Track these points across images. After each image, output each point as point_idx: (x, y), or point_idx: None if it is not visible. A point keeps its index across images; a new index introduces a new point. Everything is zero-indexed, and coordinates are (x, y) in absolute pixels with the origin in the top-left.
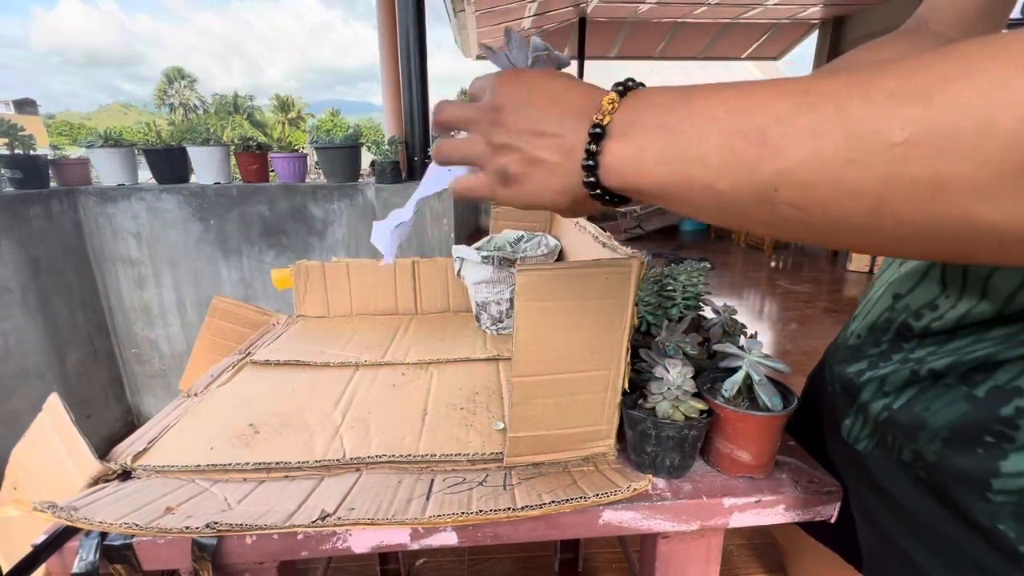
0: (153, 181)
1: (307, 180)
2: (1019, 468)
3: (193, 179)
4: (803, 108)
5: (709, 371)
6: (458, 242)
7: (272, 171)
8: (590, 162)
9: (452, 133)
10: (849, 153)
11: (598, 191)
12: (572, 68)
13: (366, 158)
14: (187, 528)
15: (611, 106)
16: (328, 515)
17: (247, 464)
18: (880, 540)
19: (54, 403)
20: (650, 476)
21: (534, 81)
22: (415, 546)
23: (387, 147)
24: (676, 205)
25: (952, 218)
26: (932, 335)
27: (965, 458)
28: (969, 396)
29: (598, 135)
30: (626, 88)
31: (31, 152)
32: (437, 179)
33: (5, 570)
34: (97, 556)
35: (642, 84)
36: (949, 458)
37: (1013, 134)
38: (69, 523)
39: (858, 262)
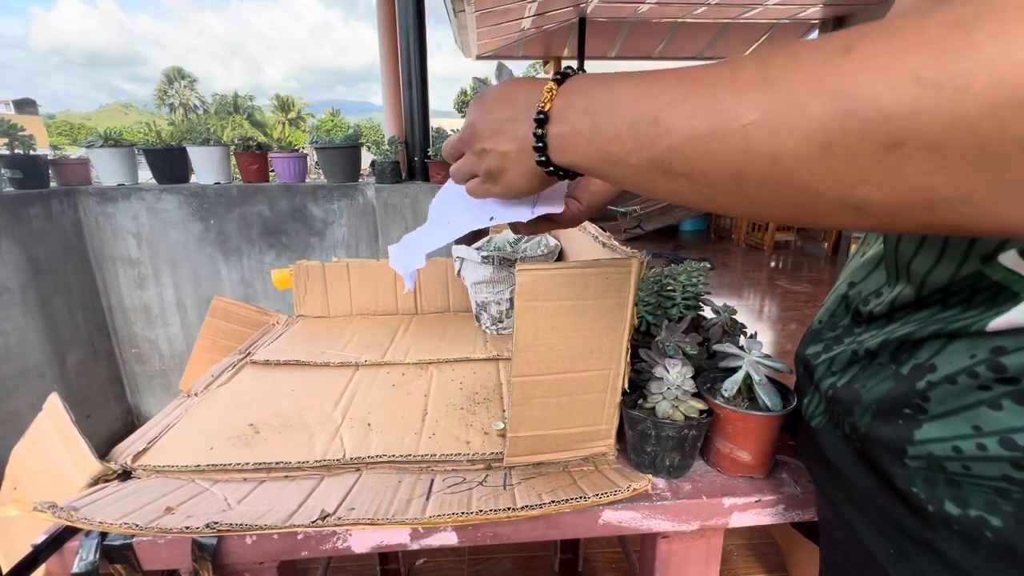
0: (153, 181)
1: (307, 180)
2: (929, 436)
3: (193, 179)
4: (688, 95)
5: (709, 371)
6: (458, 242)
7: (272, 171)
8: (539, 144)
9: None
10: (715, 131)
11: (551, 168)
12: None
13: (366, 158)
14: (187, 528)
15: (549, 95)
16: (328, 515)
17: (247, 464)
18: (828, 509)
19: (54, 403)
20: (650, 476)
21: (492, 93)
22: (415, 546)
23: (387, 147)
24: (606, 178)
25: (791, 185)
26: (875, 319)
27: (889, 428)
28: (896, 374)
29: (542, 120)
30: (564, 76)
31: (31, 152)
32: (462, 216)
33: (5, 570)
34: (97, 556)
35: (581, 70)
36: (876, 429)
37: (821, 116)
38: (69, 523)
39: None
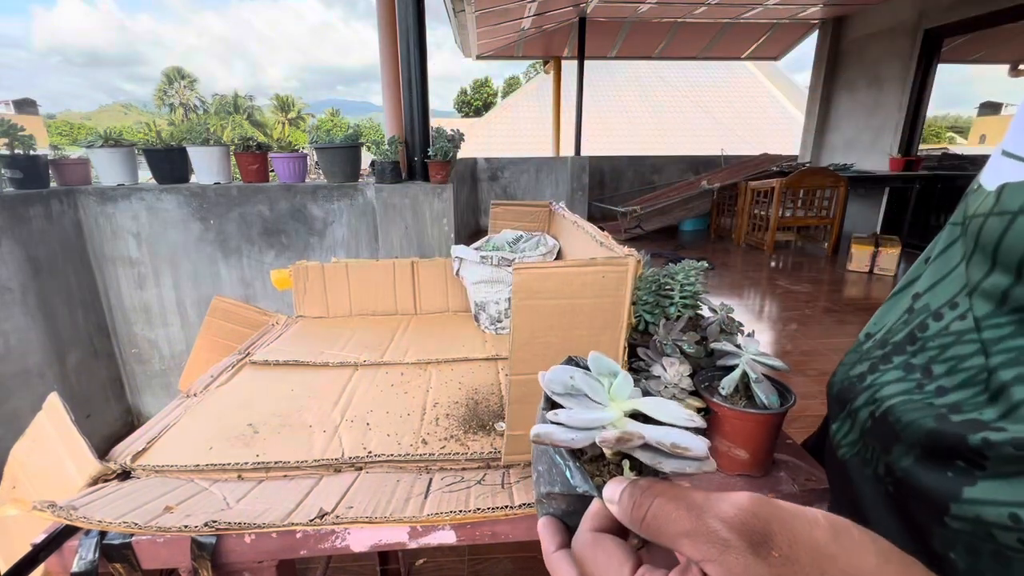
0: (153, 181)
1: (307, 180)
2: (983, 496)
3: (193, 179)
4: None
5: (707, 369)
6: (457, 242)
7: (272, 171)
8: None
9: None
10: None
11: None
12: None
13: (366, 158)
14: (186, 527)
15: None
16: (326, 513)
17: (246, 463)
18: None
19: (54, 403)
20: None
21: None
22: (413, 544)
23: (387, 147)
24: None
25: None
26: (945, 336)
27: (932, 477)
28: (943, 418)
29: None
30: None
31: (31, 152)
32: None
33: (4, 569)
34: (96, 555)
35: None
36: (917, 475)
37: None
38: (68, 522)
39: (858, 262)
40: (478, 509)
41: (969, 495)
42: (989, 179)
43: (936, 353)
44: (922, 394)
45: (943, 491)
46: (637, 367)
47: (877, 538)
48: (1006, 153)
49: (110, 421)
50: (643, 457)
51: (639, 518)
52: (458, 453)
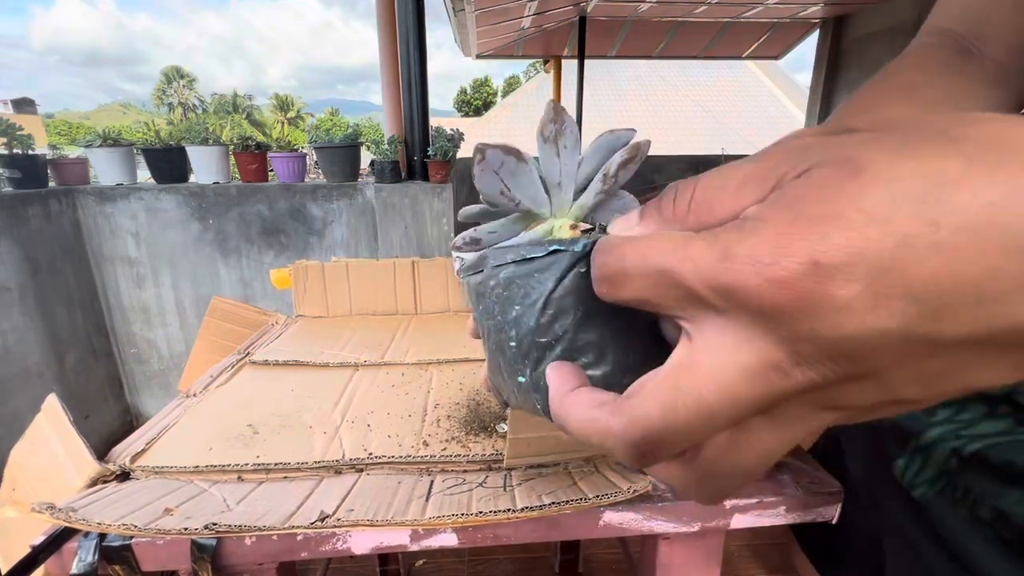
0: (152, 181)
1: (306, 180)
2: None
3: (192, 179)
4: None
5: None
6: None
7: (271, 171)
8: None
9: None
10: None
11: None
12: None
13: (365, 158)
14: (186, 529)
15: None
16: (327, 516)
17: (246, 465)
18: None
19: (53, 403)
20: (651, 477)
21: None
22: (415, 547)
23: (387, 147)
24: None
25: None
26: None
27: None
28: None
29: None
30: None
31: (30, 152)
32: None
33: (4, 571)
34: (96, 557)
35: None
36: None
37: None
38: (68, 524)
39: None
40: (480, 512)
41: None
42: None
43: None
44: None
45: None
46: None
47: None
48: None
49: (109, 422)
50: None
51: (686, 191)
52: (460, 455)
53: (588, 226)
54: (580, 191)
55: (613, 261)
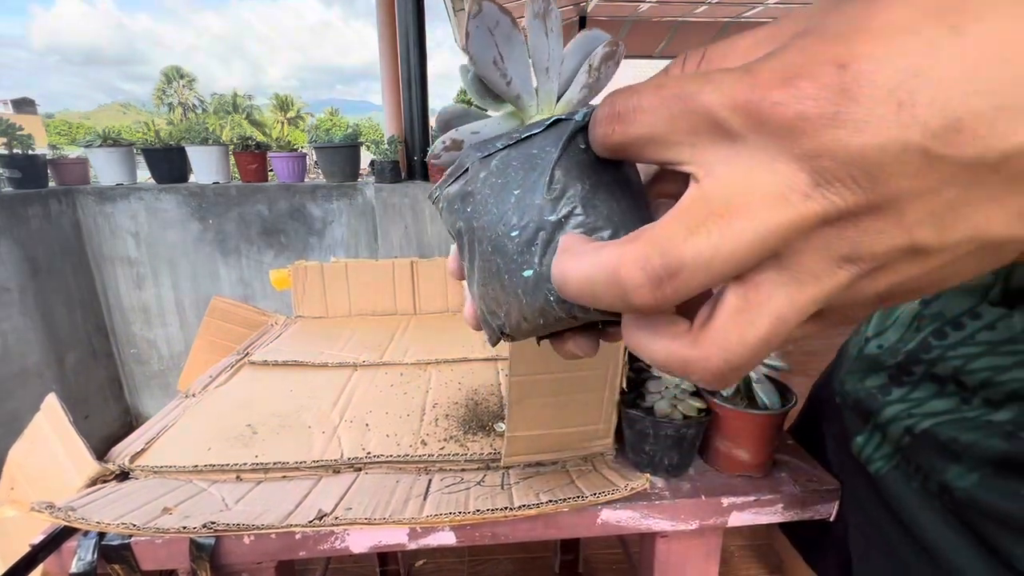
0: (152, 181)
1: (306, 180)
2: None
3: (192, 179)
4: None
5: None
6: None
7: (271, 171)
8: None
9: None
10: None
11: None
12: None
13: (365, 158)
14: (185, 528)
15: None
16: (326, 515)
17: (245, 464)
18: (894, 568)
19: (52, 403)
20: (648, 475)
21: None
22: (413, 546)
23: (386, 146)
24: None
25: None
26: (969, 345)
27: (1005, 499)
28: (1011, 435)
29: None
30: None
31: (30, 152)
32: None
33: (3, 570)
34: (95, 556)
35: None
36: (984, 494)
37: None
38: (67, 523)
39: None
40: (478, 510)
41: None
42: None
43: (961, 364)
44: (973, 410)
45: (1020, 512)
46: (637, 367)
47: None
48: None
49: (108, 422)
50: None
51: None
52: (457, 454)
53: None
54: (565, 88)
55: (624, 97)
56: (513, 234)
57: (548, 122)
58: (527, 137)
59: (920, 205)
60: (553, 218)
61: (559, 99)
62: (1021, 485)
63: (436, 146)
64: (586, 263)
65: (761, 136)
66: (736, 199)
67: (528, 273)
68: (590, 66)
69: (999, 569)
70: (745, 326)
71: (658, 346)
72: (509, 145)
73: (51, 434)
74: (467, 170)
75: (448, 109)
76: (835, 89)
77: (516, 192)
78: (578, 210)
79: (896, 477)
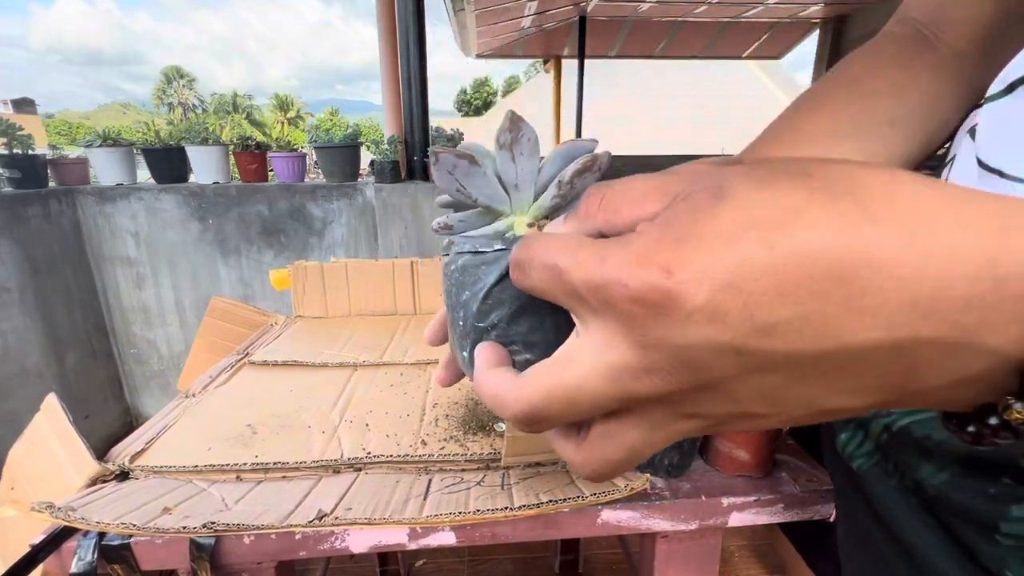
0: (152, 181)
1: (306, 180)
2: None
3: (192, 179)
4: None
5: None
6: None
7: (271, 171)
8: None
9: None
10: None
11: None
12: (572, 67)
13: (365, 158)
14: (185, 528)
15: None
16: (325, 515)
17: (245, 464)
18: (873, 564)
19: (52, 403)
20: (648, 475)
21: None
22: (413, 546)
23: (386, 146)
24: None
25: None
26: None
27: (973, 497)
28: None
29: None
30: None
31: (29, 152)
32: None
33: (3, 570)
34: (95, 556)
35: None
36: (955, 492)
37: None
38: (67, 523)
39: None
40: (478, 510)
41: (1018, 513)
42: None
43: None
44: None
45: (987, 511)
46: None
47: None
48: (984, 165)
49: (108, 422)
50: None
51: (597, 197)
52: (457, 454)
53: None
54: (541, 193)
55: (521, 252)
56: (460, 323)
57: (494, 248)
58: (481, 252)
59: (746, 387)
60: (482, 325)
61: (533, 203)
62: (987, 484)
63: (434, 223)
64: (488, 385)
65: (609, 315)
66: (589, 371)
67: (464, 354)
68: (560, 181)
69: (970, 566)
70: (607, 449)
71: (556, 444)
72: (471, 252)
73: (51, 434)
74: (448, 254)
75: (440, 199)
76: (662, 292)
77: (466, 294)
78: (502, 325)
79: (876, 474)
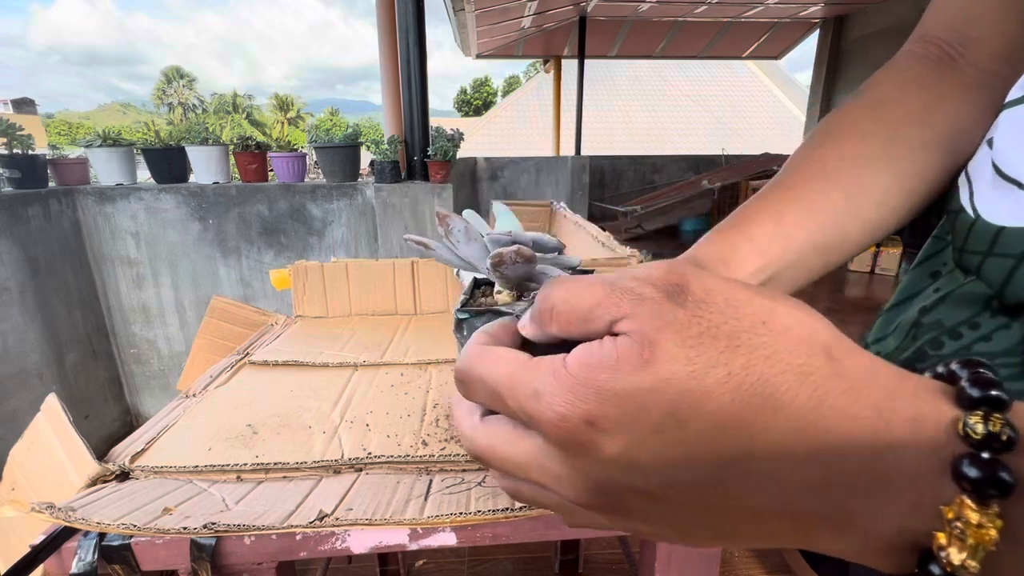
0: (152, 181)
1: (306, 180)
2: None
3: (192, 179)
4: None
5: None
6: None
7: (271, 171)
8: None
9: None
10: None
11: None
12: (572, 67)
13: (365, 158)
14: (185, 528)
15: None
16: (326, 515)
17: (245, 464)
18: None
19: (52, 403)
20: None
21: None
22: (414, 546)
23: (386, 146)
24: None
25: None
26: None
27: None
28: None
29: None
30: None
31: (30, 152)
32: None
33: (3, 571)
34: (95, 556)
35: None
36: None
37: None
38: (67, 524)
39: (859, 262)
40: (479, 511)
41: None
42: (985, 205)
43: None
44: None
45: None
46: None
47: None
48: (1001, 173)
49: (108, 422)
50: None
51: (548, 308)
52: (458, 455)
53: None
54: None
55: (463, 370)
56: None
57: (470, 313)
58: (478, 313)
59: (661, 518)
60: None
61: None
62: None
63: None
64: (460, 430)
65: (542, 435)
66: (531, 443)
67: None
68: (489, 268)
69: None
70: (498, 447)
71: (459, 410)
72: (461, 309)
73: (51, 434)
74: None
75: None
76: (584, 441)
77: (460, 342)
78: None
79: None
